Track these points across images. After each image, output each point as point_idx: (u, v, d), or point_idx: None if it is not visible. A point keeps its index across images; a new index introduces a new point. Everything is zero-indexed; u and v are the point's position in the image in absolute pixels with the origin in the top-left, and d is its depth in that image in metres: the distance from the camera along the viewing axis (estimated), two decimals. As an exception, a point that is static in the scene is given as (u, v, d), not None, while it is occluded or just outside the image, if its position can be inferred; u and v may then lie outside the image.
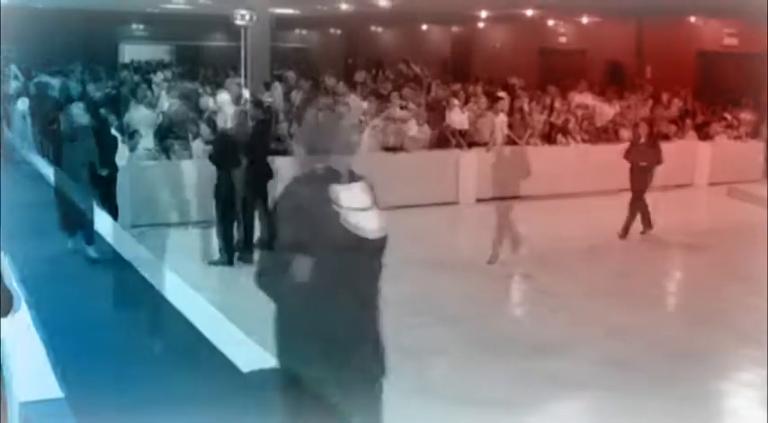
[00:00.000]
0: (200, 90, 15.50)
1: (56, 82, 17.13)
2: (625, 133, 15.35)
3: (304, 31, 36.65)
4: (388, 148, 13.29)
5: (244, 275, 9.06)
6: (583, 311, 8.28)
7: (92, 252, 8.31)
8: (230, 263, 9.59)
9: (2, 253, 4.42)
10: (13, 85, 16.73)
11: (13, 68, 17.78)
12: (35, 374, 5.19)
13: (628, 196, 11.19)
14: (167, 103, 13.91)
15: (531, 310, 8.77)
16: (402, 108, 13.79)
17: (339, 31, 34.23)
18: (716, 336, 7.64)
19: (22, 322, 5.84)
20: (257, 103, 12.22)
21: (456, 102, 14.54)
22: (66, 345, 6.06)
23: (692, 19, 21.62)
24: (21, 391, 4.76)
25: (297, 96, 16.06)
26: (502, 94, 19.49)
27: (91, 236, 8.48)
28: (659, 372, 6.75)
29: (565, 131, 14.91)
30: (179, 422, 5.27)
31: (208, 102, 13.22)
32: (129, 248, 8.47)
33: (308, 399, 3.33)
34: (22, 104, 15.40)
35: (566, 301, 8.64)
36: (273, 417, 5.40)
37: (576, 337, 7.47)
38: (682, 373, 6.74)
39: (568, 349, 7.16)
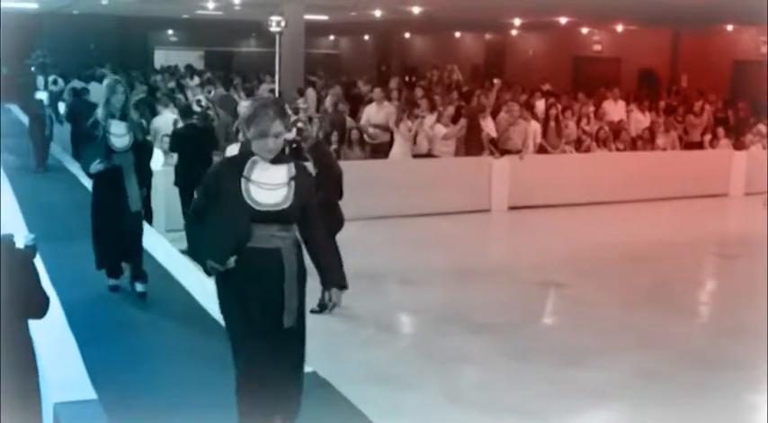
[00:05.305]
0: (235, 96, 15.57)
1: (90, 87, 17.31)
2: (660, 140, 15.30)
3: (336, 38, 36.80)
4: (418, 155, 13.22)
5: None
6: (615, 321, 8.22)
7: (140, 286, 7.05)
8: None
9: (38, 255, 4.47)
10: (53, 91, 16.90)
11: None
12: (69, 375, 5.24)
13: (662, 205, 10.86)
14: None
15: (563, 319, 8.72)
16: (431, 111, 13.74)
17: (371, 38, 34.29)
18: (748, 347, 7.53)
19: (56, 324, 5.91)
20: (184, 109, 11.54)
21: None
22: (102, 347, 6.11)
23: (729, 28, 21.43)
24: (55, 391, 4.81)
25: (329, 102, 16.12)
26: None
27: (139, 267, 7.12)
28: (691, 383, 6.68)
29: (597, 139, 14.82)
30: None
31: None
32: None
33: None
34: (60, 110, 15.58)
35: (598, 311, 8.58)
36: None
37: (608, 347, 7.41)
38: (714, 384, 6.66)
39: (600, 359, 7.11)
